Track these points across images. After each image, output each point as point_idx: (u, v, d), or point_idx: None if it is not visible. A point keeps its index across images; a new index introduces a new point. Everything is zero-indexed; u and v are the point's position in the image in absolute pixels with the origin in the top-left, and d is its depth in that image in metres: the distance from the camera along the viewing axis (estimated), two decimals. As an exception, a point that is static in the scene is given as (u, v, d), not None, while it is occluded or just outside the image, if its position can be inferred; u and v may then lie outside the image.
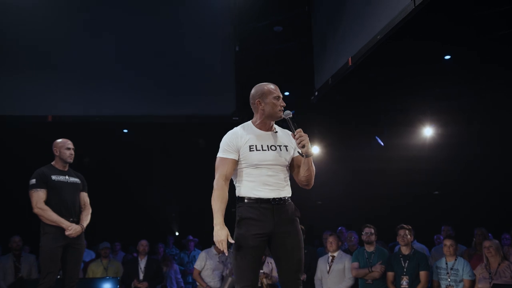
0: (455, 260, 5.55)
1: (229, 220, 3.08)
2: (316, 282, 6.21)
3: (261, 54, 7.25)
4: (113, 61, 6.74)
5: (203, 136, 8.11)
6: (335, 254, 6.16)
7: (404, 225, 5.78)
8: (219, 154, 3.15)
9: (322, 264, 6.21)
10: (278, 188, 3.12)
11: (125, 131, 9.21)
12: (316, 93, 5.84)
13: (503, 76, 6.73)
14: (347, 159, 9.31)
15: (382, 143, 9.18)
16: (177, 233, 12.39)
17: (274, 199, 3.08)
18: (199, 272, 6.62)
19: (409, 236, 5.72)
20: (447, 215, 8.38)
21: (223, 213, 3.03)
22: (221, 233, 2.95)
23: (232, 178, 3.19)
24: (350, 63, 4.75)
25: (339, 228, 7.81)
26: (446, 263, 5.58)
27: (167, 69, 6.84)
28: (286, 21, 6.77)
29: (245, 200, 3.08)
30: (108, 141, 8.87)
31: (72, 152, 4.79)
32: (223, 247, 2.94)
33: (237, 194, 3.16)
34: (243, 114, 6.48)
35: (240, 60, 6.86)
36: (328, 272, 6.07)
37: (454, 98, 7.38)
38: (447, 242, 5.60)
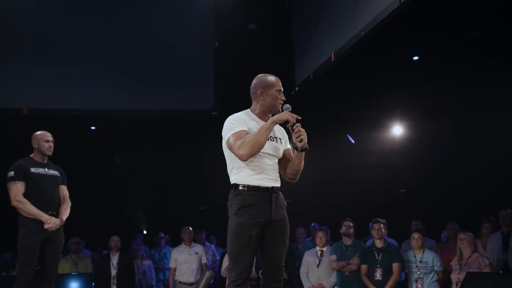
0: (423, 252, 5.77)
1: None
2: (302, 275, 6.27)
3: (240, 50, 7.24)
4: (90, 55, 6.63)
5: (181, 131, 8.02)
6: (324, 248, 6.25)
7: (379, 219, 5.95)
8: (232, 131, 3.04)
9: (309, 258, 6.28)
10: (275, 178, 3.18)
11: (93, 128, 9.03)
12: (297, 89, 5.89)
13: (470, 76, 7.00)
14: (317, 156, 9.40)
15: (353, 141, 9.33)
16: (145, 232, 12.21)
17: (272, 188, 3.12)
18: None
19: (383, 230, 5.88)
20: (415, 211, 8.59)
21: None
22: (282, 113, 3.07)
23: (229, 164, 3.16)
24: (333, 59, 4.82)
25: (312, 224, 7.88)
26: (415, 256, 5.79)
27: (145, 63, 6.78)
28: (263, 18, 6.81)
29: (245, 188, 3.06)
30: (79, 135, 8.66)
31: (51, 144, 4.71)
32: (292, 115, 3.03)
33: (234, 181, 3.10)
34: (222, 109, 6.50)
35: (220, 55, 6.85)
36: (317, 266, 6.16)
37: (425, 96, 7.59)
38: (415, 236, 5.84)
